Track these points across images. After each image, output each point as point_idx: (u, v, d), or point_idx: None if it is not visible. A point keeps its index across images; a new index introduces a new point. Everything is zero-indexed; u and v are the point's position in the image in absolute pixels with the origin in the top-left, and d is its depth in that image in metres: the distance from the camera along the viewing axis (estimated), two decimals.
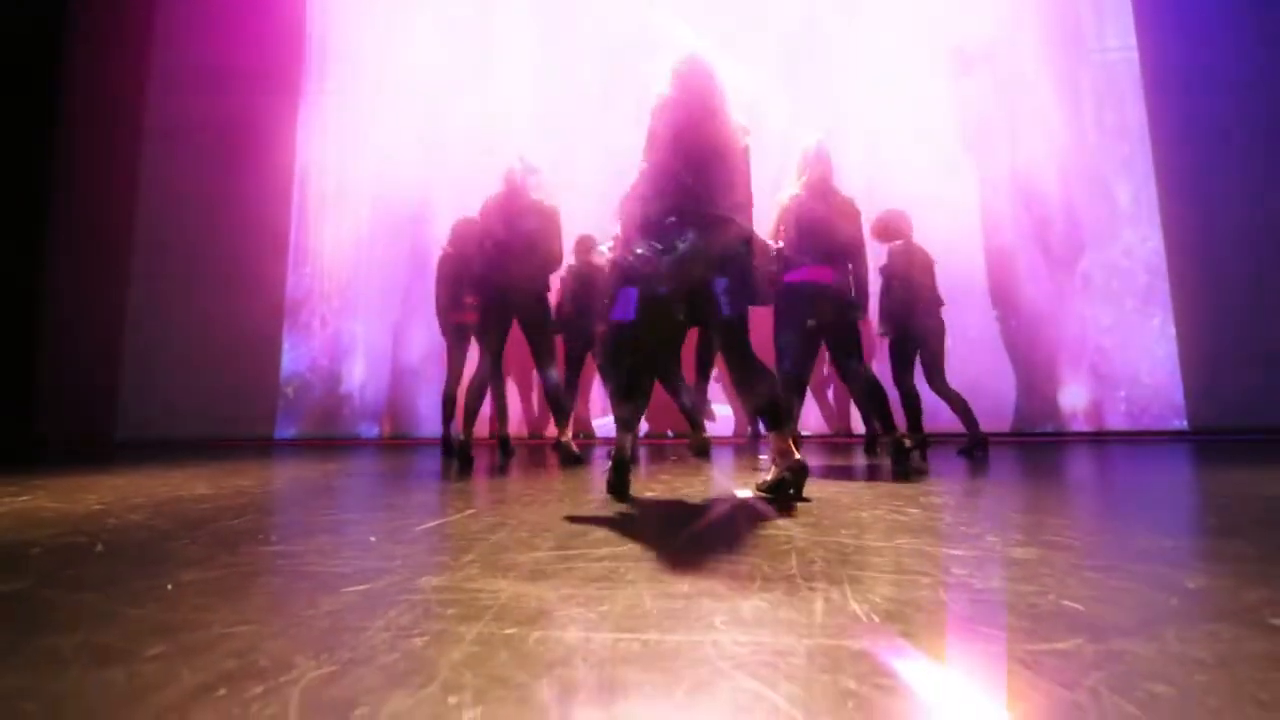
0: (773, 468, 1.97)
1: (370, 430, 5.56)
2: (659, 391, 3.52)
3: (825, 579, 0.98)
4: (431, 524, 1.50)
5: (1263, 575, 0.96)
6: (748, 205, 2.11)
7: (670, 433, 5.38)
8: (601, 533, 1.37)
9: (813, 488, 2.04)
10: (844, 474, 2.59)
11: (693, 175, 2.01)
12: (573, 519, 1.54)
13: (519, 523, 1.49)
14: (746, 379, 2.00)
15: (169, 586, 0.98)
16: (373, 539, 1.34)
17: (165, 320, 5.81)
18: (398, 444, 5.44)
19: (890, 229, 3.63)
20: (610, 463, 1.99)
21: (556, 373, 3.27)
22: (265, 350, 5.69)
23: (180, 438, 5.47)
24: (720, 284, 1.99)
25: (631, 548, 1.21)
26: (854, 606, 0.85)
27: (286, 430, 5.63)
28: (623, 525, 1.47)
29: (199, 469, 3.07)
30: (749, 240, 2.06)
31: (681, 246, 1.96)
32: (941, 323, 3.51)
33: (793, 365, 2.98)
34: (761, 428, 2.13)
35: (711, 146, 2.03)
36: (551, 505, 1.77)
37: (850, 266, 3.03)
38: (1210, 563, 1.10)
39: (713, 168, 2.02)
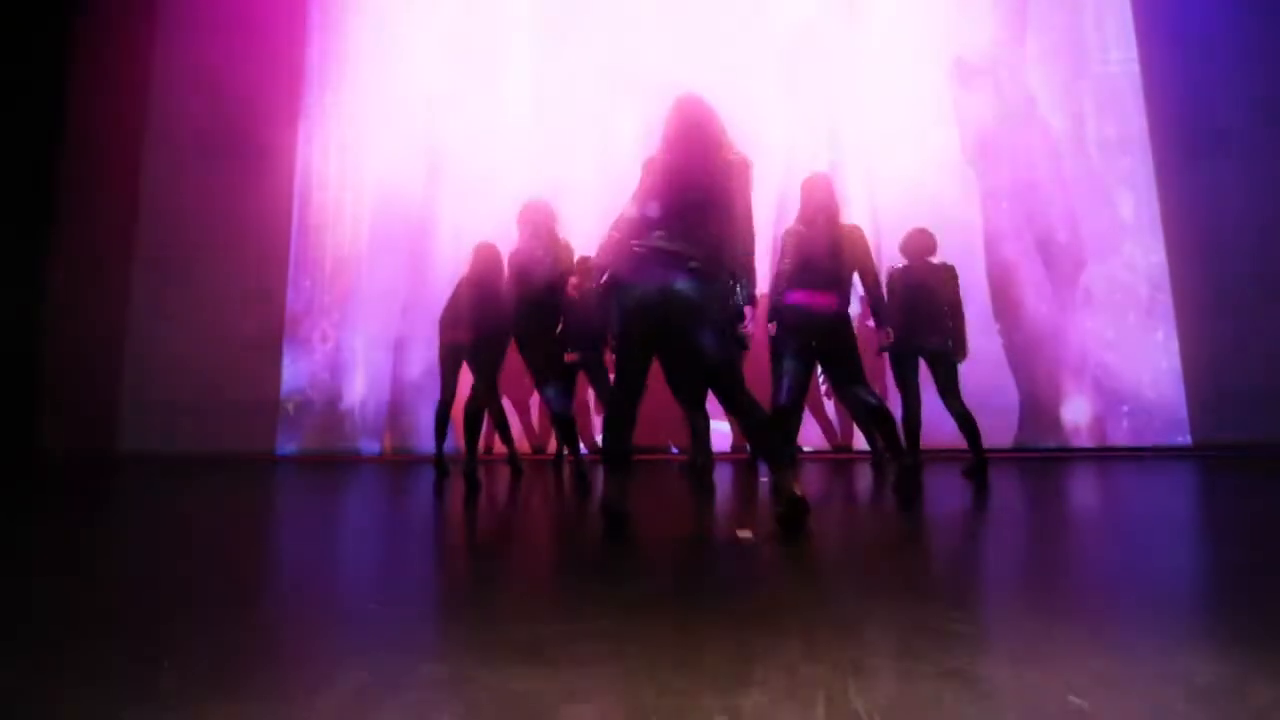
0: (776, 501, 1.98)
1: (371, 446, 5.55)
2: (659, 402, 3.51)
3: (829, 663, 0.96)
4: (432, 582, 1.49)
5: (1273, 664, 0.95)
6: (739, 240, 2.09)
7: (674, 449, 5.34)
8: (600, 595, 1.36)
9: (818, 522, 2.03)
10: (848, 501, 2.58)
11: (677, 219, 1.99)
12: (574, 570, 1.53)
13: (520, 576, 1.48)
14: (743, 421, 2.01)
15: None
16: (372, 606, 1.33)
17: (166, 334, 5.80)
18: (398, 460, 5.44)
19: (905, 248, 3.62)
20: (604, 511, 1.99)
21: (560, 395, 3.26)
22: (266, 365, 5.68)
23: (181, 453, 5.46)
24: (703, 332, 1.98)
25: (629, 619, 1.20)
26: (855, 705, 0.84)
27: (287, 445, 5.62)
28: (621, 584, 1.46)
29: (197, 502, 3.06)
30: (732, 283, 2.05)
31: (651, 289, 1.95)
32: (944, 342, 3.48)
33: (788, 396, 2.97)
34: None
35: (699, 189, 2.02)
36: (555, 543, 1.76)
37: (863, 294, 3.04)
38: (1220, 645, 1.08)
39: (700, 212, 2.01)
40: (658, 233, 1.97)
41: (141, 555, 1.74)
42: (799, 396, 3.04)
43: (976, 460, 3.52)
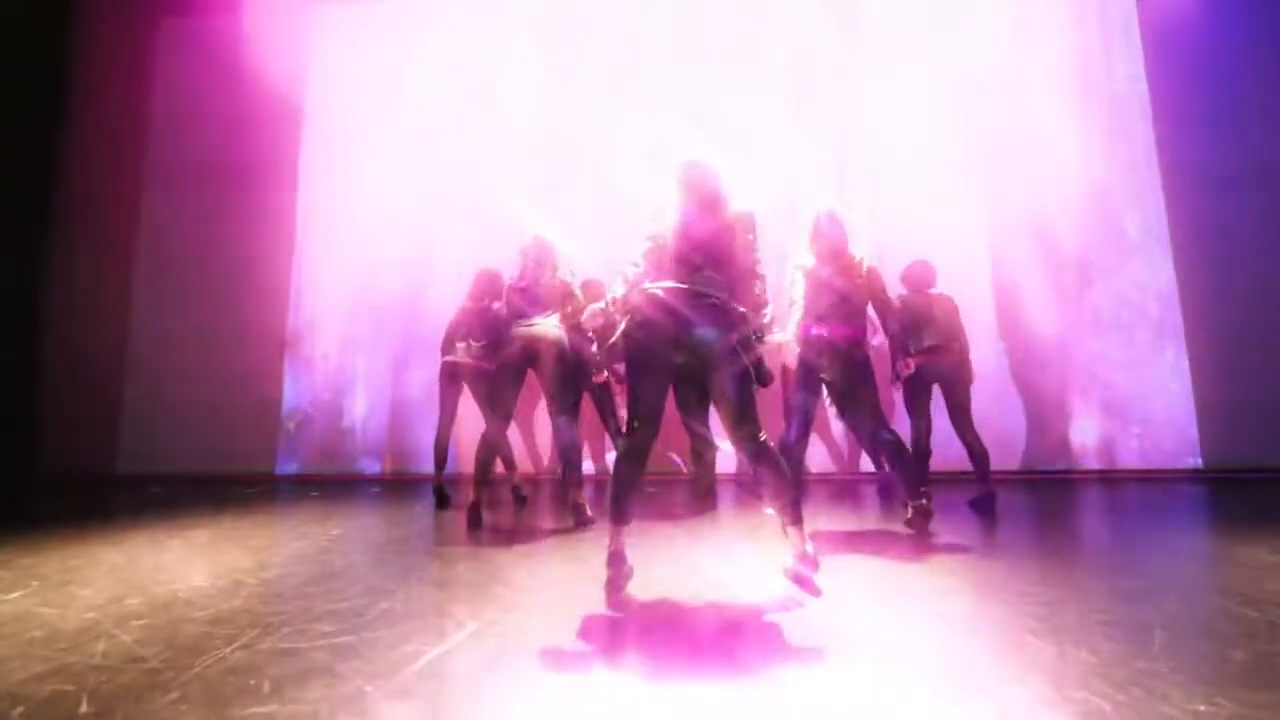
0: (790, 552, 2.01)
1: (372, 466, 5.52)
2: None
3: None
4: (430, 655, 1.45)
5: None
6: (750, 287, 2.08)
7: (675, 457, 5.28)
8: (598, 676, 1.32)
9: (826, 574, 1.99)
10: (857, 544, 2.52)
11: (689, 270, 1.99)
12: (574, 639, 1.49)
13: (518, 648, 1.45)
14: (764, 471, 1.99)
15: None
16: (368, 689, 1.29)
17: (167, 354, 5.79)
18: (399, 480, 5.41)
19: (906, 280, 3.66)
20: (606, 566, 1.95)
21: (569, 424, 3.22)
22: (267, 384, 5.66)
23: (182, 473, 5.43)
24: (727, 372, 1.97)
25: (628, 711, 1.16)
26: None
27: (288, 465, 5.59)
28: (622, 661, 1.42)
29: (196, 531, 3.03)
30: (749, 328, 2.04)
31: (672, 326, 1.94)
32: (958, 364, 3.45)
33: (797, 433, 2.95)
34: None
35: (708, 246, 2.03)
36: (554, 616, 1.71)
37: (875, 330, 3.03)
38: None
39: (713, 266, 2.02)
40: (674, 280, 1.98)
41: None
42: (808, 429, 3.04)
43: (984, 491, 3.49)
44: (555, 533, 2.95)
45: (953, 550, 2.43)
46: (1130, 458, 4.93)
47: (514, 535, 2.90)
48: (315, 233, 5.90)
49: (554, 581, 2.07)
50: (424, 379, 5.52)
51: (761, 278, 2.11)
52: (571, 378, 3.27)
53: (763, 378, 2.09)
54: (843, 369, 2.86)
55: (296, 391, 5.69)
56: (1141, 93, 5.29)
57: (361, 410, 5.60)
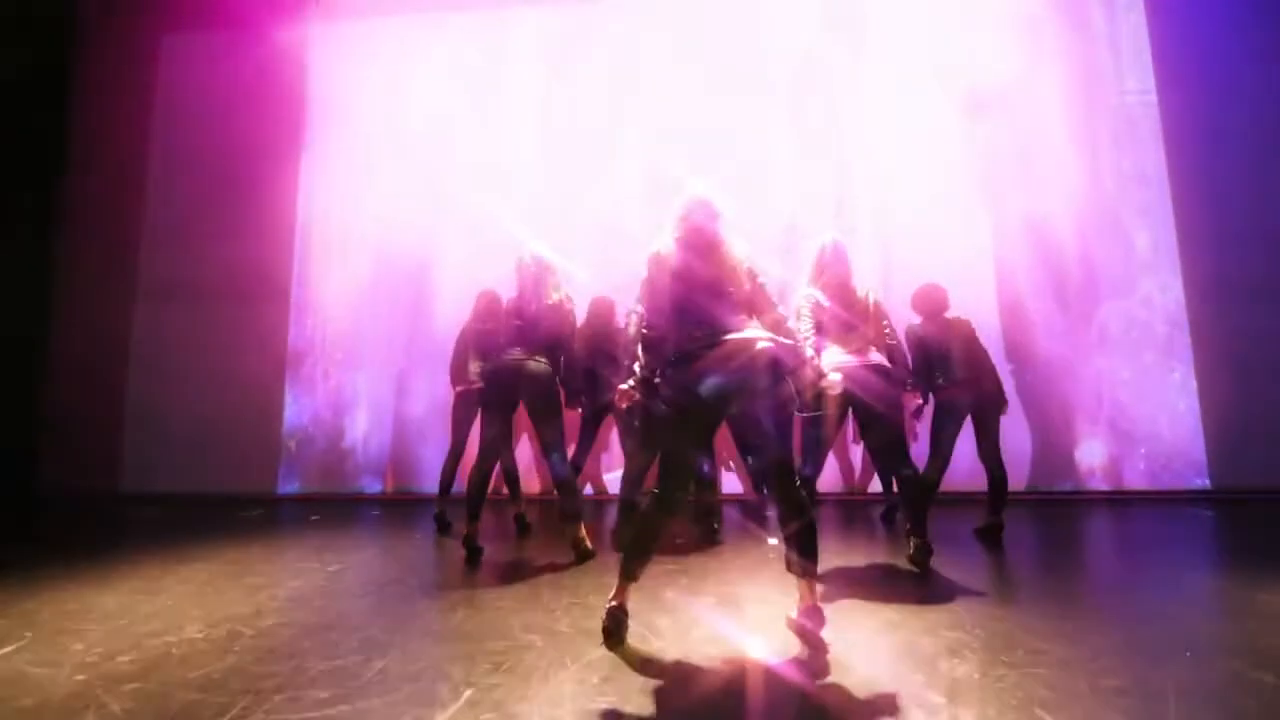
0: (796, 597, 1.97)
1: (373, 485, 5.50)
2: None
3: None
4: None
5: None
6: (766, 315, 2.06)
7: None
8: None
9: (830, 627, 1.95)
10: (862, 586, 2.48)
11: (696, 309, 1.97)
12: (572, 707, 1.45)
13: (515, 713, 1.41)
14: (789, 519, 1.96)
15: None
16: None
17: (168, 372, 5.78)
18: (401, 499, 5.39)
19: (919, 305, 3.53)
20: (606, 618, 1.92)
21: (563, 459, 3.18)
22: (268, 403, 5.64)
23: (184, 492, 5.42)
24: (763, 407, 1.92)
25: None
26: None
27: (289, 484, 5.57)
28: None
29: (193, 567, 3.00)
30: (777, 358, 2.00)
31: (711, 376, 1.91)
32: (987, 399, 3.39)
33: (813, 467, 2.91)
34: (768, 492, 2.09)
35: (712, 287, 2.00)
36: (553, 678, 1.68)
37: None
38: None
39: (716, 300, 1.99)
40: (695, 325, 1.95)
41: None
42: (823, 462, 2.99)
43: (992, 521, 3.44)
44: (555, 569, 2.91)
45: (959, 598, 2.39)
46: (1137, 478, 4.87)
47: (513, 574, 2.86)
48: (315, 250, 5.87)
49: (553, 635, 2.04)
50: (426, 397, 5.50)
51: (781, 315, 2.09)
52: (559, 413, 3.19)
53: (804, 404, 2.06)
54: (867, 396, 2.81)
55: (297, 410, 5.67)
56: (1151, 105, 5.23)
57: (363, 429, 5.58)
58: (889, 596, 2.39)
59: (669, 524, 2.00)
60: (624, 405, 2.60)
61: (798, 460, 3.03)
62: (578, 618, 2.19)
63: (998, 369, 3.53)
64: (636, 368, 2.16)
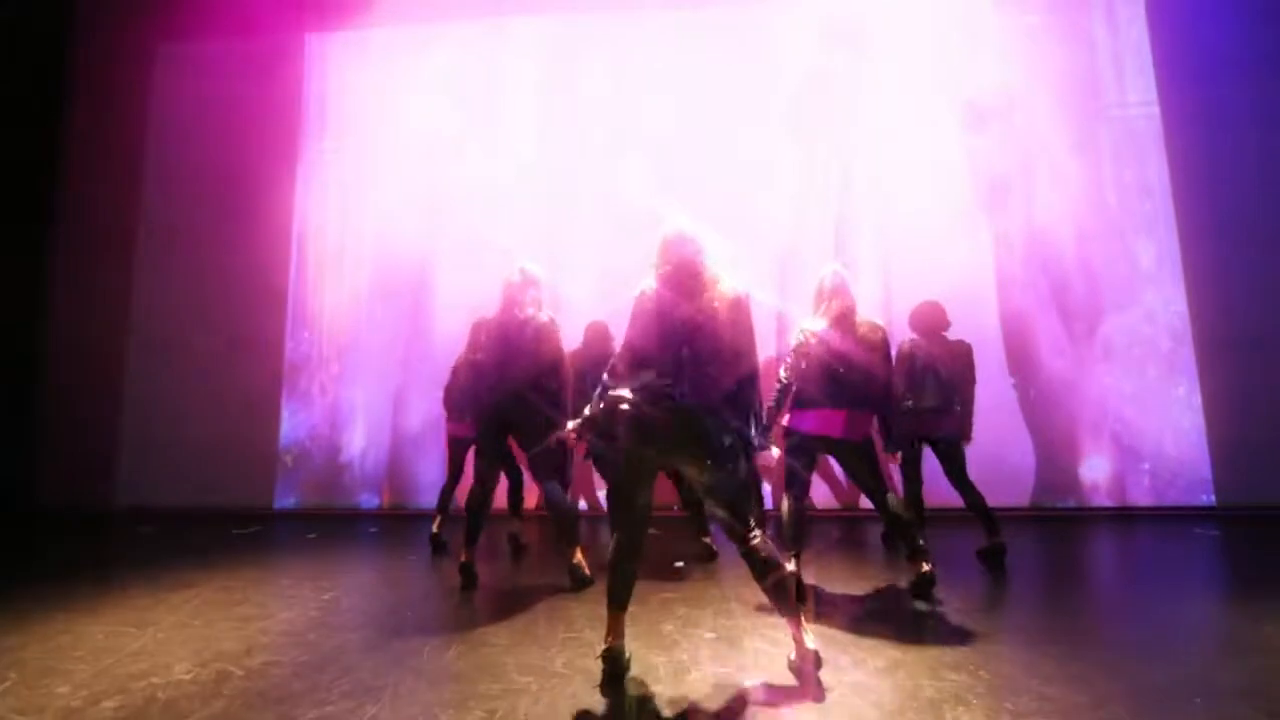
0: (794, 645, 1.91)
1: (370, 501, 5.46)
2: None
3: None
4: None
5: None
6: (741, 380, 1.99)
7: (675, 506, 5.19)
8: None
9: (831, 669, 1.91)
10: (863, 619, 2.43)
11: (672, 362, 1.92)
12: None
13: None
14: (761, 575, 1.91)
15: None
16: None
17: (165, 386, 5.74)
18: (397, 515, 5.35)
19: (917, 323, 3.48)
20: (602, 661, 1.88)
21: (558, 485, 3.14)
22: (264, 417, 5.60)
23: (180, 507, 5.38)
24: (718, 469, 1.89)
25: None
26: None
27: (286, 499, 5.53)
28: None
29: (183, 594, 2.96)
30: (749, 407, 1.96)
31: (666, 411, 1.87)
32: (955, 430, 3.34)
33: (800, 491, 2.88)
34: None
35: (690, 330, 1.94)
36: (547, 717, 1.64)
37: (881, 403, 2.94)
38: None
39: (695, 353, 1.93)
40: (655, 375, 1.89)
41: None
42: (806, 492, 2.95)
43: (993, 543, 3.39)
44: (551, 596, 2.87)
45: (963, 633, 2.34)
46: (1142, 495, 4.83)
47: (507, 604, 2.80)
48: (312, 263, 5.84)
49: (548, 676, 1.99)
50: (423, 411, 5.46)
51: (757, 371, 2.02)
52: (548, 444, 3.13)
53: (759, 475, 2.04)
54: (846, 452, 2.81)
55: (294, 424, 5.63)
56: (1154, 116, 5.19)
57: (359, 444, 5.54)
58: (891, 632, 2.34)
59: (635, 565, 1.98)
60: (569, 444, 2.58)
61: (778, 492, 3.01)
62: (573, 655, 2.15)
63: (973, 399, 3.41)
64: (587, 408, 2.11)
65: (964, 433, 3.37)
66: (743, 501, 1.94)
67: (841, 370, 2.73)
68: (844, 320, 2.79)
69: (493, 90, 5.82)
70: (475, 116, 5.81)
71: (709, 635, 2.37)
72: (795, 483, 2.88)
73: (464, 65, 5.88)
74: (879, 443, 3.01)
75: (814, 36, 5.58)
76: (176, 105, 6.11)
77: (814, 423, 2.76)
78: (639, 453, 1.92)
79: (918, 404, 3.28)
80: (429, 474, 5.37)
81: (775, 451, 2.11)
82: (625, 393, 1.92)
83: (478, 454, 3.18)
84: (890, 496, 2.84)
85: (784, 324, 5.04)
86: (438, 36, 5.97)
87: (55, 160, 6.04)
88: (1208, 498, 4.75)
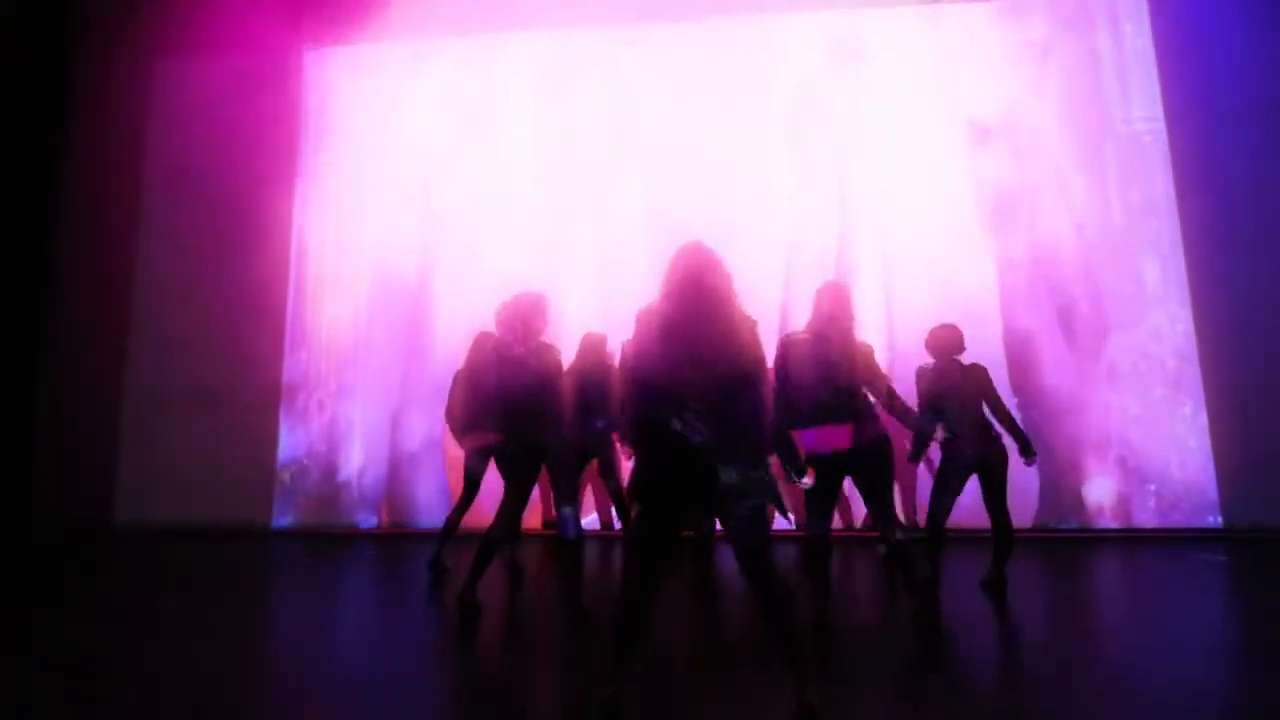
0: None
1: (369, 520, 5.41)
2: None
3: None
4: None
5: None
6: (749, 407, 1.94)
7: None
8: None
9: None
10: (866, 665, 2.38)
11: (674, 383, 1.84)
12: None
13: None
14: (769, 615, 1.85)
15: None
16: None
17: (163, 403, 5.69)
18: (396, 534, 5.32)
19: (932, 346, 3.40)
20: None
21: (574, 515, 3.06)
22: (262, 435, 5.56)
23: (178, 524, 5.34)
24: (735, 511, 1.83)
25: None
26: None
27: (283, 517, 5.49)
28: None
29: (171, 637, 2.91)
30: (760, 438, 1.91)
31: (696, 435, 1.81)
32: (1000, 448, 3.29)
33: (817, 526, 2.79)
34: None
35: (701, 346, 1.86)
36: None
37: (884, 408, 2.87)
38: None
39: (706, 372, 1.84)
40: (663, 408, 1.82)
41: None
42: (829, 522, 2.86)
43: (997, 573, 3.37)
44: (550, 637, 2.82)
45: (969, 678, 2.30)
46: (1147, 517, 4.77)
47: (506, 648, 2.75)
48: (310, 280, 5.79)
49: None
50: (422, 430, 5.43)
51: (765, 400, 1.97)
52: (570, 466, 3.10)
53: (782, 509, 1.97)
54: (854, 464, 2.73)
55: (292, 442, 5.59)
56: (1159, 134, 5.11)
57: (358, 462, 5.50)
58: (894, 677, 2.30)
59: (645, 622, 1.89)
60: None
61: (800, 521, 2.94)
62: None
63: (1008, 414, 3.39)
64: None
65: (1023, 447, 3.28)
66: (756, 535, 1.88)
67: (839, 379, 2.64)
68: (841, 333, 2.69)
69: (491, 105, 5.77)
70: (473, 132, 5.75)
71: (708, 683, 2.31)
72: (813, 517, 2.78)
73: (462, 81, 5.82)
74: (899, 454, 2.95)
75: (816, 53, 5.52)
76: (174, 121, 6.06)
77: (813, 441, 2.66)
78: (664, 515, 1.86)
79: (954, 428, 3.20)
80: (427, 493, 5.33)
81: (808, 480, 2.05)
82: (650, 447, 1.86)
83: (509, 485, 3.05)
84: (892, 530, 2.75)
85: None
86: (435, 52, 5.91)
87: (54, 177, 6.00)
88: (1214, 519, 4.69)
